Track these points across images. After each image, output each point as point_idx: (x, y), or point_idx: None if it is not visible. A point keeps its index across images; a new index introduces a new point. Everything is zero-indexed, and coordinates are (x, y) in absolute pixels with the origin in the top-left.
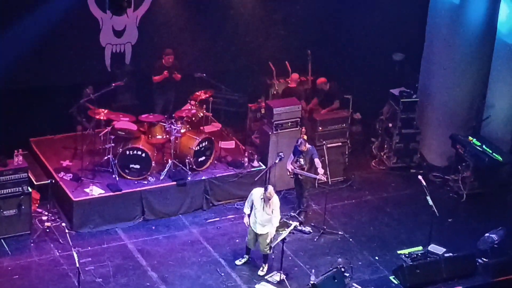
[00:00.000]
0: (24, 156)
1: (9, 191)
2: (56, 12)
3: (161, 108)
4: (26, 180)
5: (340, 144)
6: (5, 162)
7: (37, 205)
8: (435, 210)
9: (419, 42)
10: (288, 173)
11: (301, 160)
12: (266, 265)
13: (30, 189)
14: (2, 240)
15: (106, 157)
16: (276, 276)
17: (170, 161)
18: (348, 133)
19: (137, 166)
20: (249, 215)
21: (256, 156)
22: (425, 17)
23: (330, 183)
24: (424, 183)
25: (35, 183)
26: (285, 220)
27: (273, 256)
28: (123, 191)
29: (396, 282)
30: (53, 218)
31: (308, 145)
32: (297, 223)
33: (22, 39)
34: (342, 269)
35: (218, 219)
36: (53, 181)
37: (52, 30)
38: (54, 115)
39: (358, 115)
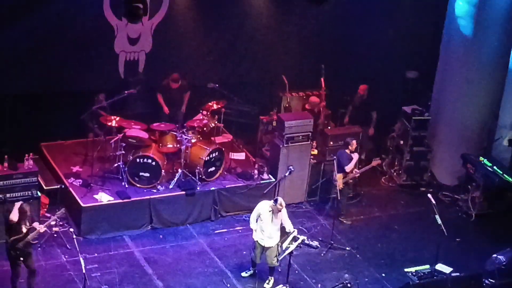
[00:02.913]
0: (34, 161)
1: (19, 195)
2: (71, 18)
3: (167, 120)
4: (35, 184)
5: None
6: (15, 166)
7: (45, 209)
8: (444, 229)
9: (433, 60)
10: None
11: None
12: (272, 277)
13: (39, 194)
14: None
15: (116, 164)
16: None
17: (180, 171)
18: (359, 149)
19: (147, 174)
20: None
21: (266, 168)
22: (439, 35)
23: (339, 198)
24: (434, 202)
25: (45, 187)
26: (291, 234)
27: (279, 269)
28: (132, 199)
29: None
30: (61, 223)
31: None
32: (305, 237)
33: (35, 45)
34: (348, 285)
35: (225, 230)
36: (63, 186)
37: (67, 36)
38: (66, 121)
39: (371, 131)
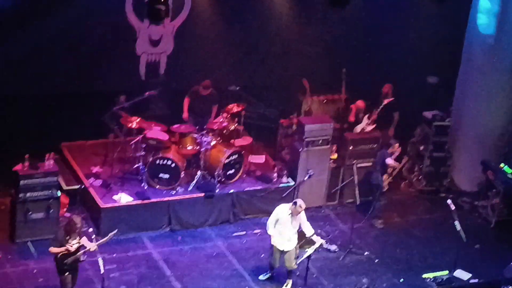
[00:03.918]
0: (55, 160)
1: (39, 194)
2: (93, 19)
3: (193, 124)
4: (56, 184)
5: (370, 164)
6: (36, 166)
7: (65, 209)
8: (463, 236)
9: (454, 65)
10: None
11: None
12: (290, 280)
13: (59, 193)
14: (29, 243)
15: (136, 165)
16: None
17: (199, 173)
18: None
19: (166, 176)
20: None
21: (285, 172)
22: (461, 40)
23: (358, 202)
24: (453, 208)
25: (65, 187)
26: (311, 237)
27: (297, 273)
28: (151, 200)
29: None
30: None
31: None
32: (324, 241)
33: (57, 45)
34: None
35: (244, 233)
36: (83, 186)
37: (88, 37)
38: (86, 121)
39: (391, 131)
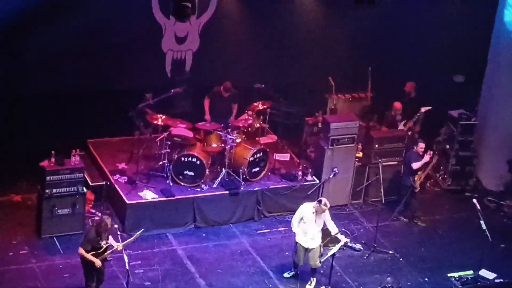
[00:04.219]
0: (81, 157)
1: (65, 190)
2: (120, 17)
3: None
4: (81, 180)
5: (395, 163)
6: (62, 162)
7: (91, 205)
8: (488, 235)
9: (481, 65)
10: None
11: None
12: (314, 279)
13: (85, 190)
14: (54, 238)
15: (161, 162)
16: None
17: (224, 170)
18: (404, 152)
19: (191, 173)
20: None
21: (310, 170)
22: (488, 38)
23: (383, 201)
24: (478, 207)
25: (90, 183)
26: (335, 236)
27: (321, 271)
28: (176, 197)
29: None
30: None
31: None
32: (348, 239)
33: (83, 43)
34: None
35: (268, 230)
36: (108, 183)
37: (115, 35)
38: (112, 118)
39: (418, 128)
